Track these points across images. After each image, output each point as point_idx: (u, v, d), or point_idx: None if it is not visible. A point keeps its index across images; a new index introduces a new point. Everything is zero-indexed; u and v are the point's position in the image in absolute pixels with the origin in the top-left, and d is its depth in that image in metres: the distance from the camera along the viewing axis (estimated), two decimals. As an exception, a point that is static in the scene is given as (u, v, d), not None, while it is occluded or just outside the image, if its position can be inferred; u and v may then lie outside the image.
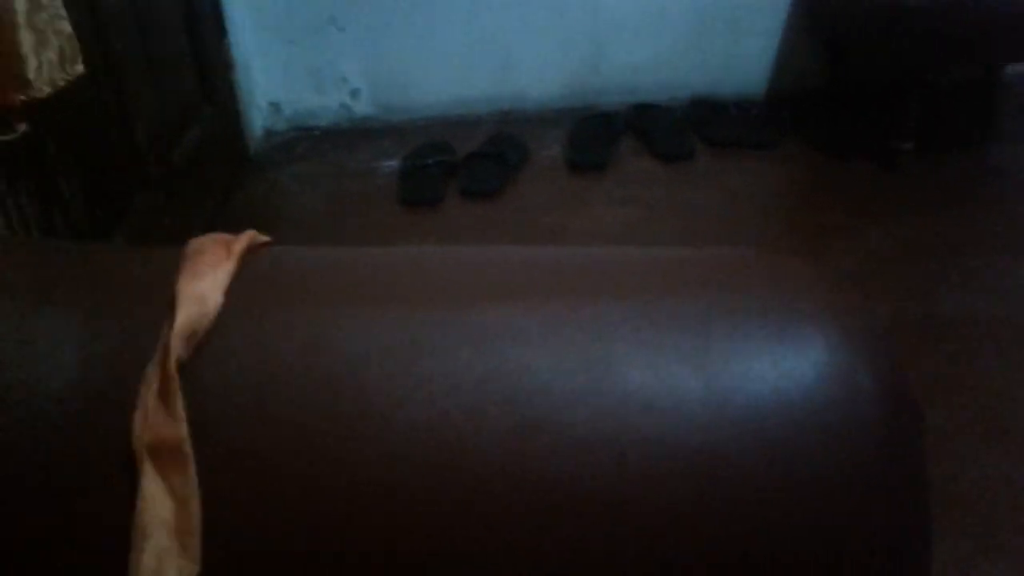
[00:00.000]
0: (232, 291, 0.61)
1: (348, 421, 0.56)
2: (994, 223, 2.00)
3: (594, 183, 2.30)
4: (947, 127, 2.46)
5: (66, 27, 1.21)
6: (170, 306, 0.58)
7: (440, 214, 2.20)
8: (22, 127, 1.26)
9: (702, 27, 2.61)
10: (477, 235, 2.08)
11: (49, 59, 1.22)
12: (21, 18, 1.17)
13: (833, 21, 2.49)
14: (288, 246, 0.69)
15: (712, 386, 0.58)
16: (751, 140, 2.43)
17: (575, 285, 0.66)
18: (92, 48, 1.54)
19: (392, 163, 2.44)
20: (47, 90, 1.22)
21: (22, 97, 1.19)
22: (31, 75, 1.19)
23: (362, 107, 2.70)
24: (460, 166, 2.37)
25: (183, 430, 0.55)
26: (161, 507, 0.54)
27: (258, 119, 2.65)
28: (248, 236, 0.66)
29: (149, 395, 0.55)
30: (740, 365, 0.59)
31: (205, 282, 0.60)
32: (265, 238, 0.68)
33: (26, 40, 1.17)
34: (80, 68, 1.21)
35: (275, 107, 2.68)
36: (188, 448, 0.55)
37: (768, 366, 0.59)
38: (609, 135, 2.50)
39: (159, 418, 0.55)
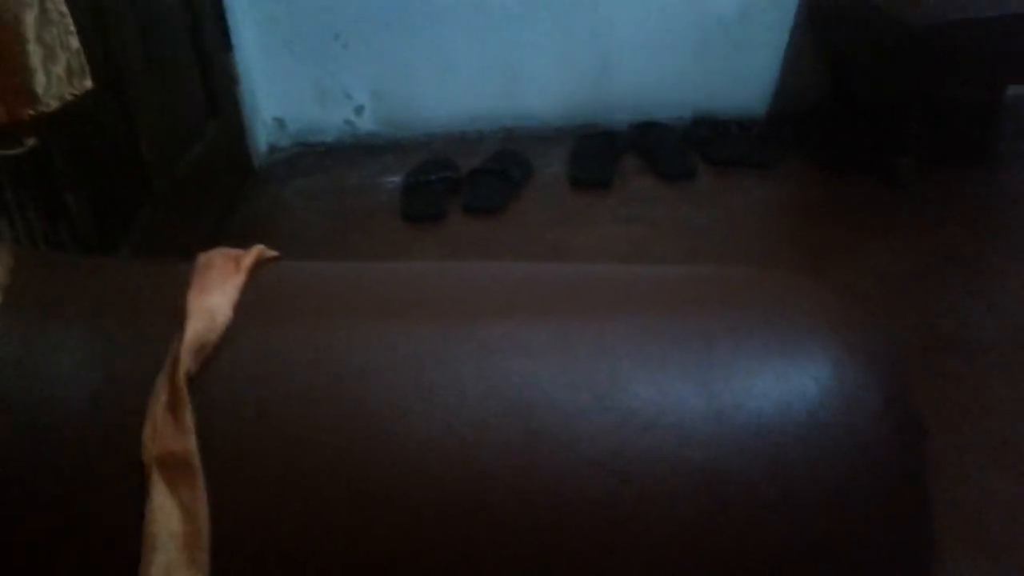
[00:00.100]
0: (240, 305, 0.62)
1: (354, 433, 0.57)
2: (997, 242, 2.01)
3: (597, 201, 2.31)
4: (949, 146, 2.47)
5: (75, 42, 1.22)
6: (180, 320, 0.59)
7: (443, 230, 2.21)
8: (30, 141, 1.27)
9: (704, 46, 2.62)
10: (480, 251, 2.09)
11: (57, 74, 1.23)
12: (30, 33, 1.18)
13: (835, 40, 2.50)
14: (295, 261, 0.69)
15: (715, 403, 0.58)
16: (753, 159, 2.43)
17: (579, 302, 0.66)
18: (99, 63, 1.55)
19: (395, 179, 2.45)
20: (55, 105, 1.22)
21: (30, 111, 1.20)
22: (39, 90, 1.19)
23: (366, 123, 2.71)
24: (463, 182, 2.37)
25: (192, 443, 0.55)
26: (170, 519, 0.54)
27: (262, 134, 2.66)
28: (256, 251, 0.67)
29: (158, 408, 0.56)
30: (743, 382, 0.59)
31: (214, 296, 0.61)
32: (273, 253, 0.68)
33: (35, 55, 1.18)
34: (88, 83, 1.21)
35: (279, 122, 2.69)
36: (196, 460, 0.55)
37: (771, 383, 0.59)
38: (612, 153, 2.51)
39: (168, 431, 0.55)
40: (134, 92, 1.73)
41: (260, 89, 2.62)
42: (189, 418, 0.56)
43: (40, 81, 1.16)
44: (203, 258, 0.65)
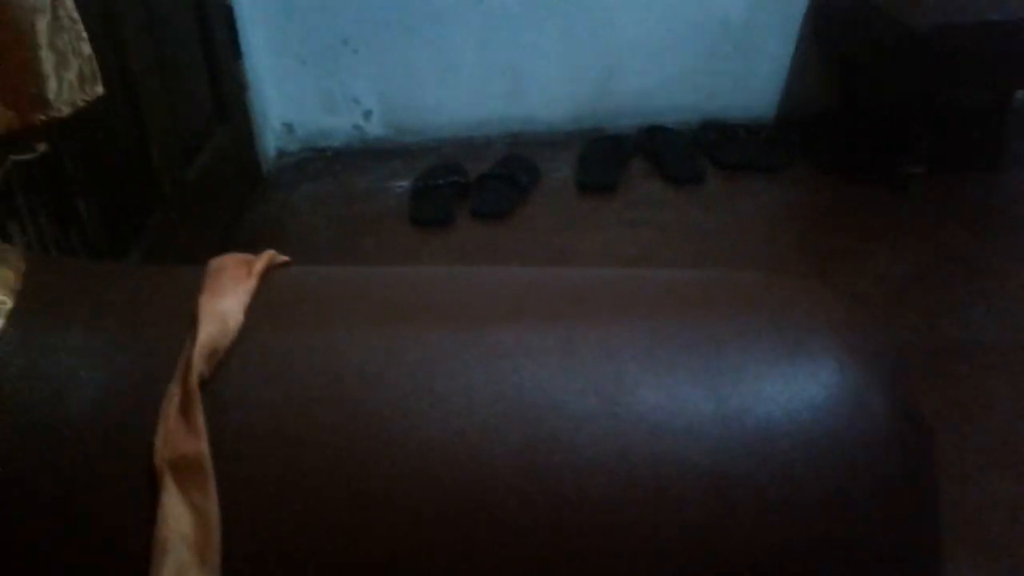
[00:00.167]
0: (252, 310, 0.62)
1: (364, 437, 0.57)
2: (1004, 248, 2.00)
3: (604, 205, 2.31)
4: (957, 151, 2.47)
5: (87, 48, 1.22)
6: (192, 324, 0.59)
7: (451, 235, 2.22)
8: (42, 147, 1.28)
9: (712, 51, 2.63)
10: (488, 256, 2.09)
11: (70, 80, 1.24)
12: (43, 39, 1.19)
13: (843, 45, 2.50)
14: (306, 266, 0.70)
15: (723, 407, 0.58)
16: (761, 163, 2.43)
17: (587, 306, 0.67)
18: (110, 69, 1.56)
19: (404, 184, 2.45)
20: (67, 111, 1.23)
21: (42, 117, 1.21)
22: (51, 96, 1.20)
23: (374, 128, 2.72)
24: (471, 187, 2.38)
25: (204, 445, 0.56)
26: (181, 522, 0.55)
27: (271, 139, 2.67)
28: (268, 256, 0.67)
29: (171, 411, 0.56)
30: (751, 386, 0.60)
31: (226, 301, 0.61)
32: (284, 258, 0.69)
33: (47, 61, 1.19)
34: (100, 89, 1.22)
35: (288, 128, 2.70)
36: (208, 463, 0.56)
37: (779, 387, 0.59)
38: (619, 157, 2.51)
39: (180, 434, 0.56)
40: (144, 98, 1.74)
41: (269, 95, 2.63)
42: (201, 421, 0.56)
43: (52, 87, 1.17)
44: (215, 263, 0.65)
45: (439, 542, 0.55)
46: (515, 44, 2.61)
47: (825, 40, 2.58)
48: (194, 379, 0.57)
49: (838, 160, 2.46)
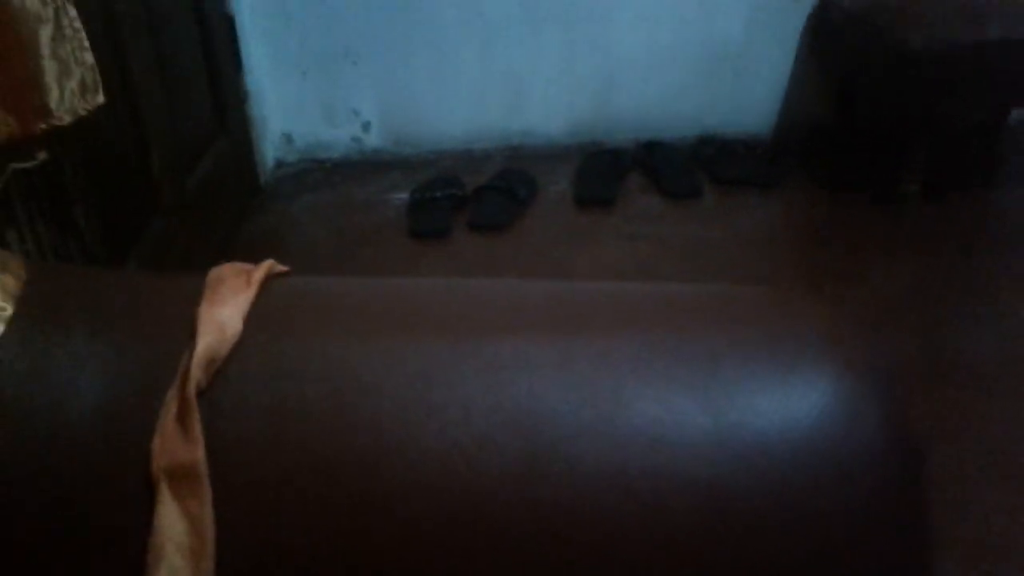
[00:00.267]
0: (251, 319, 0.63)
1: (361, 448, 0.58)
2: (999, 265, 2.01)
3: (602, 219, 2.32)
4: (953, 169, 2.48)
5: (89, 58, 1.23)
6: (191, 332, 0.60)
7: (449, 246, 2.22)
8: (42, 155, 1.28)
9: (710, 67, 2.64)
10: (485, 268, 2.10)
11: (71, 89, 1.24)
12: (45, 48, 1.19)
13: (840, 62, 2.51)
14: (305, 276, 0.70)
15: (719, 420, 0.59)
16: (758, 179, 2.44)
17: (585, 319, 0.67)
18: (112, 78, 1.57)
19: (402, 195, 2.46)
20: (69, 119, 1.24)
21: (43, 125, 1.21)
22: (53, 104, 1.21)
23: (373, 140, 2.73)
24: (469, 199, 2.39)
25: (200, 454, 0.56)
26: (176, 529, 0.55)
27: (270, 150, 2.68)
28: (267, 266, 0.67)
29: (168, 419, 0.56)
30: (747, 400, 0.60)
31: (225, 310, 0.61)
32: (283, 268, 0.69)
33: (50, 70, 1.19)
34: (101, 98, 1.23)
35: (287, 138, 2.71)
36: (204, 472, 0.56)
37: (775, 401, 0.60)
38: (617, 172, 2.52)
39: (177, 442, 0.56)
40: (145, 107, 1.75)
41: (269, 105, 2.64)
42: (198, 430, 0.56)
43: (54, 96, 1.17)
44: (214, 272, 0.66)
45: (436, 552, 0.56)
46: (515, 58, 2.62)
47: (822, 57, 2.59)
48: (192, 387, 0.57)
49: (835, 176, 2.47)
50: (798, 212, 2.35)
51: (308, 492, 0.57)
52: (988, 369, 1.66)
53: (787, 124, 2.71)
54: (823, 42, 2.55)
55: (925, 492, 0.62)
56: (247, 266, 0.67)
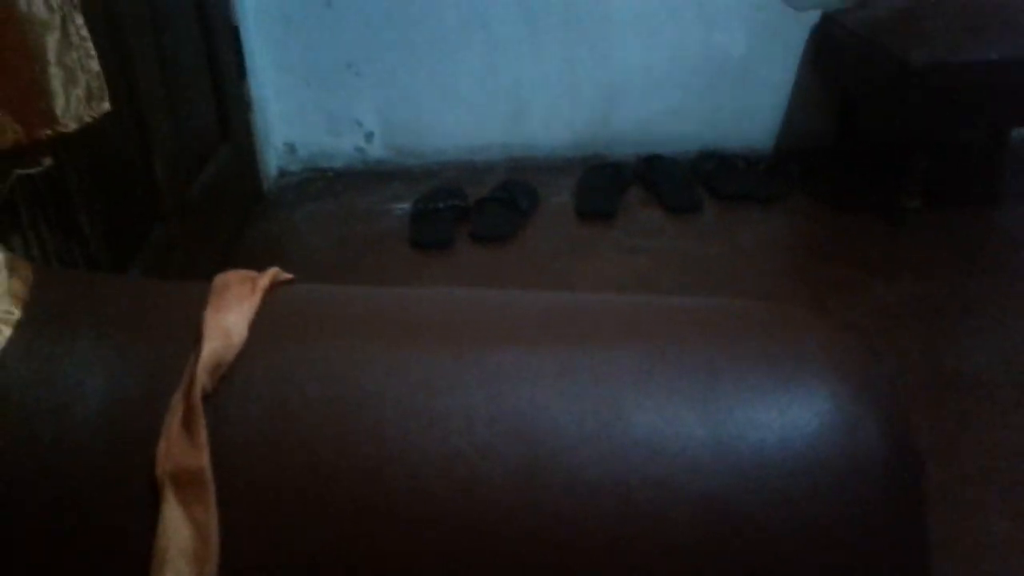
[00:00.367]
0: (256, 326, 0.63)
1: (364, 455, 0.58)
2: (1000, 282, 2.02)
3: (602, 232, 2.32)
4: (954, 186, 2.49)
5: (95, 66, 1.24)
6: (197, 338, 0.60)
7: (450, 257, 2.23)
8: (47, 161, 1.29)
9: (711, 81, 2.65)
10: (487, 279, 2.10)
11: (77, 96, 1.25)
12: (52, 55, 1.20)
13: (842, 78, 2.53)
14: (310, 284, 0.71)
15: (718, 433, 0.59)
16: (759, 194, 2.45)
17: (586, 330, 0.68)
18: (117, 86, 1.58)
19: (404, 206, 2.47)
20: (74, 126, 1.24)
21: (49, 132, 1.22)
22: (59, 111, 1.21)
23: (376, 150, 2.74)
24: (471, 210, 2.40)
25: (205, 459, 0.56)
26: (180, 534, 0.55)
27: (273, 159, 2.69)
28: (272, 273, 0.68)
29: (174, 424, 0.57)
30: (746, 413, 0.60)
31: (231, 316, 0.62)
32: (288, 276, 0.70)
33: (56, 77, 1.20)
34: (107, 106, 1.24)
35: (290, 148, 2.72)
36: (209, 477, 0.56)
37: (774, 414, 0.60)
38: (618, 185, 2.53)
39: (182, 447, 0.56)
40: (149, 115, 1.76)
41: (272, 115, 2.65)
42: (203, 435, 0.57)
43: (60, 103, 1.18)
44: (220, 279, 0.66)
45: (437, 559, 0.56)
46: (517, 70, 2.64)
47: (824, 73, 2.61)
48: (197, 393, 0.58)
49: (836, 192, 2.48)
50: (799, 227, 2.35)
51: (311, 498, 0.57)
52: (989, 382, 1.67)
53: (788, 139, 2.72)
54: (825, 58, 2.56)
55: (924, 504, 0.62)
56: (252, 273, 0.67)
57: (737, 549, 0.57)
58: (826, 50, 2.54)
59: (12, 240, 1.25)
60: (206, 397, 0.58)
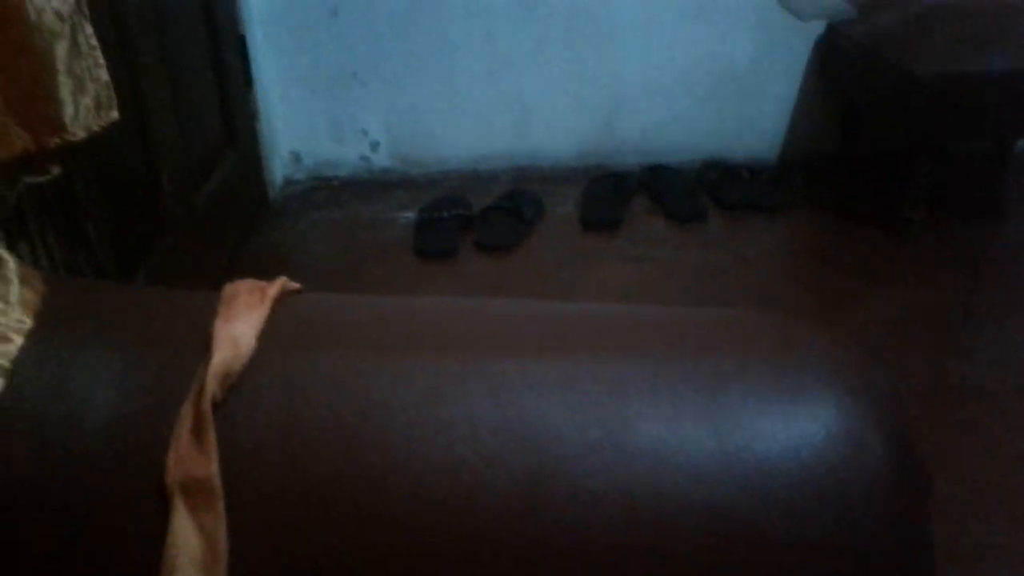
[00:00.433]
0: (264, 335, 0.64)
1: (371, 463, 0.58)
2: (1004, 292, 2.02)
3: (607, 241, 2.33)
4: (959, 197, 2.49)
5: (103, 75, 1.25)
6: (206, 348, 0.61)
7: (455, 266, 2.23)
8: (55, 169, 1.29)
9: (716, 91, 2.66)
10: (491, 288, 2.11)
11: (86, 105, 1.26)
12: (61, 64, 1.21)
13: (846, 89, 2.54)
14: (318, 293, 0.71)
15: (723, 443, 0.60)
16: (763, 203, 2.46)
17: (592, 341, 0.68)
18: (124, 95, 1.59)
19: (409, 215, 2.47)
20: (82, 135, 1.25)
21: (58, 141, 1.22)
22: (68, 120, 1.22)
23: (381, 159, 2.75)
24: (476, 219, 2.40)
25: (214, 468, 0.57)
26: (190, 543, 0.56)
27: (279, 168, 2.70)
28: (280, 283, 0.69)
29: (183, 432, 0.57)
30: (751, 423, 0.61)
31: (240, 326, 0.62)
32: (296, 285, 0.70)
33: (65, 86, 1.21)
34: (115, 115, 1.24)
35: (296, 156, 2.73)
36: (218, 485, 0.57)
37: (779, 425, 0.61)
38: (622, 195, 2.53)
39: (192, 455, 0.57)
40: (155, 123, 1.76)
41: (278, 123, 2.66)
42: (213, 443, 0.57)
43: (69, 111, 1.19)
44: (229, 288, 0.67)
45: (442, 567, 0.56)
46: (522, 81, 2.64)
47: (828, 83, 2.61)
48: (207, 401, 0.58)
49: (840, 202, 2.48)
50: (803, 237, 2.36)
51: (318, 505, 0.57)
52: (993, 391, 1.67)
53: (793, 149, 2.73)
54: (830, 68, 2.57)
55: (928, 520, 0.63)
56: (261, 283, 0.68)
57: (742, 559, 0.57)
58: (831, 60, 2.55)
59: (19, 248, 1.26)
60: (215, 406, 0.59)
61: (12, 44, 1.11)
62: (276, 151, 2.67)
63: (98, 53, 1.25)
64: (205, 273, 1.95)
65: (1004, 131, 2.42)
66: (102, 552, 0.56)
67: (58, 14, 1.18)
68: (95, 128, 1.28)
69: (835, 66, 2.53)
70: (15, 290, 0.60)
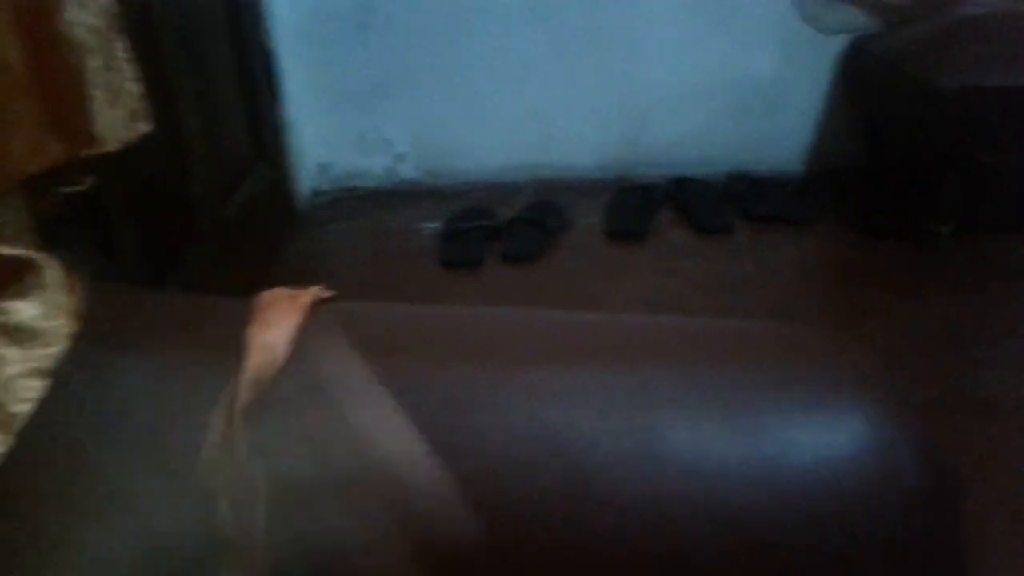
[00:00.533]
0: (296, 342, 0.64)
1: (402, 470, 0.59)
2: (1031, 307, 2.00)
3: (632, 253, 2.33)
4: (986, 211, 2.47)
5: (136, 88, 1.27)
6: (240, 354, 0.61)
7: (480, 277, 2.24)
8: (89, 180, 1.31)
9: (742, 103, 2.66)
10: (516, 299, 2.11)
11: (119, 117, 1.27)
12: (95, 78, 1.23)
13: (871, 101, 2.52)
14: (351, 302, 0.72)
15: (754, 454, 0.60)
16: (789, 215, 2.45)
17: (622, 350, 0.68)
18: (156, 108, 1.61)
19: (434, 225, 2.49)
20: (115, 147, 1.27)
21: (92, 152, 1.24)
22: (101, 132, 1.24)
23: (407, 171, 2.76)
24: (501, 230, 2.41)
25: (246, 472, 0.57)
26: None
27: (306, 179, 2.72)
28: (313, 291, 0.69)
29: (216, 437, 0.58)
30: (781, 435, 0.61)
31: (273, 333, 0.63)
32: (329, 293, 0.71)
33: (98, 99, 1.23)
34: (147, 127, 1.26)
35: (323, 168, 2.75)
36: (251, 490, 0.57)
37: (807, 436, 0.61)
38: (648, 206, 2.53)
39: (224, 460, 0.58)
40: (185, 135, 1.79)
41: (306, 135, 2.68)
42: (243, 449, 0.58)
43: (102, 124, 1.21)
44: (263, 296, 0.68)
45: (473, 573, 0.57)
46: (547, 92, 2.65)
47: (853, 96, 2.60)
48: (239, 408, 0.59)
49: (867, 215, 2.47)
50: (829, 250, 2.35)
51: (347, 513, 0.58)
52: (1021, 408, 1.65)
53: (819, 161, 2.72)
54: (854, 81, 2.56)
55: (959, 532, 0.62)
56: (295, 291, 0.69)
57: (772, 569, 0.57)
58: (855, 73, 2.54)
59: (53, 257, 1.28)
60: (247, 412, 0.59)
61: (47, 59, 1.13)
62: (304, 163, 2.70)
63: (130, 67, 1.27)
64: (234, 283, 1.97)
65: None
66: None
67: (92, 29, 1.20)
68: (127, 140, 1.29)
69: (859, 79, 2.52)
70: (58, 296, 0.62)
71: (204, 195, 1.87)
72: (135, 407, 0.59)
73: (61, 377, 0.59)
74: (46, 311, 0.60)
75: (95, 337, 0.62)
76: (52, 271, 0.65)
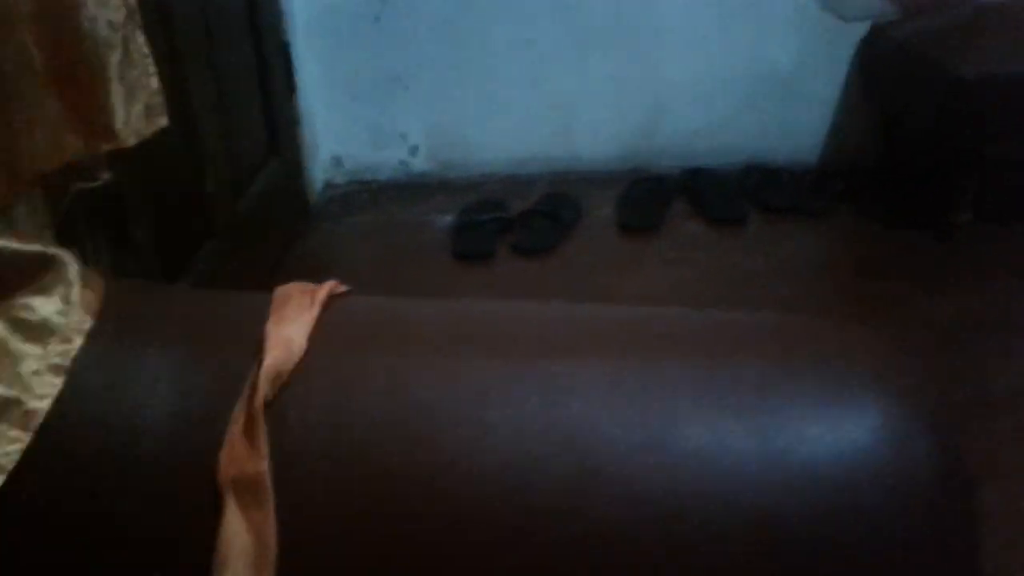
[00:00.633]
0: (314, 336, 0.65)
1: (418, 463, 0.59)
2: (1051, 298, 1.99)
3: (646, 244, 2.32)
4: (1004, 201, 2.45)
5: (154, 83, 1.27)
6: (258, 349, 0.62)
7: (493, 269, 2.24)
8: (105, 175, 1.32)
9: (757, 94, 2.64)
10: (529, 291, 2.11)
11: (137, 112, 1.28)
12: (113, 73, 1.23)
13: (889, 90, 2.51)
14: (366, 296, 0.72)
15: (768, 446, 0.60)
16: (805, 207, 2.43)
17: (636, 343, 0.68)
18: (172, 102, 1.61)
19: (447, 218, 2.48)
20: (133, 141, 1.27)
21: (109, 147, 1.25)
22: (119, 127, 1.24)
23: (420, 163, 2.76)
24: (514, 223, 2.41)
25: (265, 466, 0.58)
26: (241, 539, 0.57)
27: (320, 172, 2.73)
28: (329, 285, 0.70)
29: (236, 431, 0.59)
30: (796, 427, 0.61)
31: (291, 327, 0.64)
32: (344, 287, 0.72)
33: (117, 94, 1.23)
34: (165, 121, 1.27)
35: (337, 161, 2.76)
36: (268, 484, 0.58)
37: (824, 429, 0.61)
38: (662, 198, 2.52)
39: (243, 454, 0.58)
40: (201, 130, 1.79)
41: (320, 129, 2.69)
42: (264, 442, 0.59)
43: (120, 119, 1.21)
44: (281, 291, 0.68)
45: (489, 566, 0.57)
46: (562, 84, 2.65)
47: (872, 86, 2.59)
48: (259, 401, 0.59)
49: (883, 206, 2.45)
50: (845, 241, 2.33)
51: (366, 504, 0.58)
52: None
53: (835, 153, 2.70)
54: (873, 70, 2.54)
55: (974, 525, 0.62)
56: (311, 286, 0.69)
57: (786, 563, 0.57)
58: (875, 62, 2.52)
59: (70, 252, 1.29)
60: (267, 406, 0.60)
61: (67, 54, 1.14)
62: (317, 156, 2.70)
63: (149, 61, 1.28)
64: (248, 276, 1.98)
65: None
66: (156, 547, 0.57)
67: (111, 24, 1.20)
68: (145, 135, 1.30)
69: (878, 68, 2.50)
70: (76, 291, 0.62)
71: (219, 189, 1.88)
72: (155, 401, 0.60)
73: (79, 373, 0.59)
74: (64, 307, 0.60)
75: (114, 332, 0.62)
76: (71, 267, 0.65)
